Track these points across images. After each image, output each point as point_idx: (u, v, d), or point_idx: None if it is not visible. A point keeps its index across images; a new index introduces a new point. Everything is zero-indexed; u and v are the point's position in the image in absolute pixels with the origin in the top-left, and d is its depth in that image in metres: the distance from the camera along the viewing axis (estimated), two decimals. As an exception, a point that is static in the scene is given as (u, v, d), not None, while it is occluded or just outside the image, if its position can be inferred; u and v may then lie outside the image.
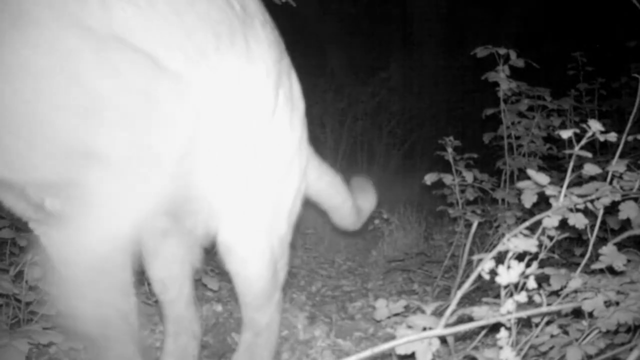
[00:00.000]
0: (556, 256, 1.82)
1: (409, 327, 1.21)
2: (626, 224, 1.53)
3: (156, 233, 1.76)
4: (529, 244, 1.21)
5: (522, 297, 1.19)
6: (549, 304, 1.34)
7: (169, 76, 1.27)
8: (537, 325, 1.47)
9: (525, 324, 1.49)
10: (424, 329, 1.20)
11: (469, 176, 2.63)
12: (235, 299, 1.79)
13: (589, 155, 1.46)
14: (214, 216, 1.60)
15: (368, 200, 2.23)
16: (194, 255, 1.80)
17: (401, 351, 1.17)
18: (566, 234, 1.51)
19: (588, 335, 1.41)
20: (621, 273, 1.39)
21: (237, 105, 1.49)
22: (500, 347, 1.20)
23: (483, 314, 1.22)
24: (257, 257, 1.66)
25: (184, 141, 1.32)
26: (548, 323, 1.47)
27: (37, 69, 1.12)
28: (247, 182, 1.59)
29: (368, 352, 1.11)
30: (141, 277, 2.35)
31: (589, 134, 1.42)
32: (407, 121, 5.92)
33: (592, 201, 1.42)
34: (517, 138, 2.92)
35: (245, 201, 1.60)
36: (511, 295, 1.21)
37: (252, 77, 1.51)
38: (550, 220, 1.38)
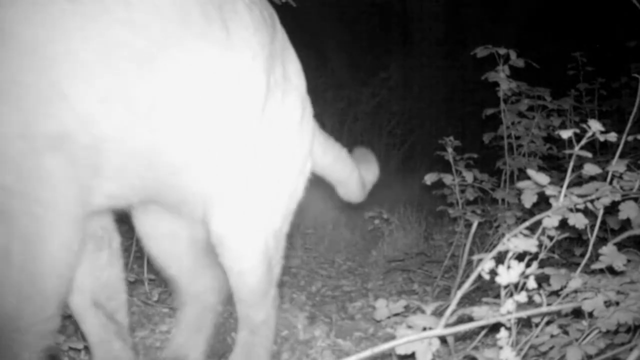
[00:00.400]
0: (556, 256, 1.82)
1: (409, 327, 1.21)
2: (626, 224, 1.53)
3: (145, 211, 1.75)
4: (529, 244, 1.21)
5: (522, 297, 1.19)
6: (549, 304, 1.34)
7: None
8: (537, 325, 1.47)
9: (525, 324, 1.49)
10: (424, 329, 1.20)
11: (469, 176, 2.63)
12: (236, 299, 1.78)
13: (589, 155, 1.46)
14: (208, 205, 1.58)
15: (371, 171, 2.22)
16: (192, 230, 1.76)
17: (401, 351, 1.17)
18: (566, 234, 1.51)
19: (588, 335, 1.42)
20: (621, 273, 1.39)
21: (218, 92, 1.46)
22: (500, 347, 1.20)
23: (483, 314, 1.22)
24: (250, 251, 1.63)
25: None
26: (548, 323, 1.47)
27: None
28: (238, 170, 1.56)
29: (368, 352, 1.11)
30: (141, 277, 2.36)
31: (589, 134, 1.42)
32: (407, 121, 5.91)
33: (592, 201, 1.42)
34: (517, 138, 2.92)
35: (236, 191, 1.58)
36: (511, 295, 1.21)
37: (233, 63, 1.48)
38: (550, 220, 1.38)
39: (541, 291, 1.33)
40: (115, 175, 1.36)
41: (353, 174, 2.07)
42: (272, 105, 1.61)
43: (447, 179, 2.63)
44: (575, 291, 1.39)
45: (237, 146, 1.55)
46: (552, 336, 1.45)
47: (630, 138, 1.63)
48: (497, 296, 1.27)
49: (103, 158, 1.30)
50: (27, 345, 1.24)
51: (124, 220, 2.77)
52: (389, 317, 1.50)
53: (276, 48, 1.65)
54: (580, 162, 1.52)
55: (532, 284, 1.23)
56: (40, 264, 1.22)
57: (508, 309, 1.19)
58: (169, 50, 1.35)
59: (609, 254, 1.40)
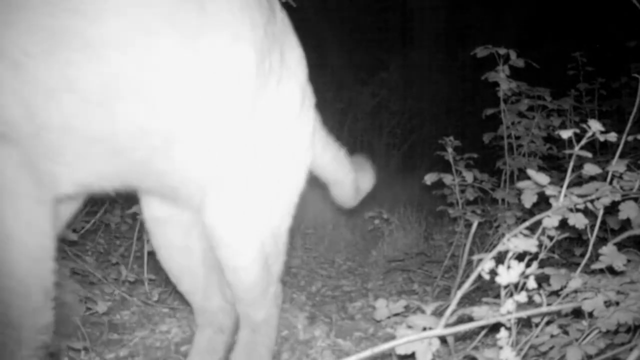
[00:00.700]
0: (556, 256, 1.82)
1: (409, 327, 1.21)
2: (626, 224, 1.53)
3: (158, 222, 1.74)
4: (529, 244, 1.21)
5: (522, 297, 1.19)
6: (549, 304, 1.34)
7: None
8: (537, 325, 1.47)
9: (525, 324, 1.49)
10: (424, 329, 1.20)
11: (469, 176, 2.63)
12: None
13: (589, 155, 1.46)
14: (202, 195, 1.54)
15: (366, 179, 2.19)
16: (206, 244, 1.71)
17: (401, 351, 1.17)
18: (566, 234, 1.51)
19: (588, 335, 1.42)
20: (621, 273, 1.39)
21: (189, 75, 1.40)
22: (500, 347, 1.20)
23: (483, 314, 1.22)
24: (244, 245, 1.59)
25: None
26: (548, 323, 1.47)
27: None
28: (227, 157, 1.52)
29: (368, 352, 1.11)
30: (141, 277, 2.36)
31: (589, 134, 1.42)
32: (407, 121, 5.92)
33: (592, 201, 1.42)
34: (517, 138, 2.92)
35: (227, 180, 1.54)
36: (511, 295, 1.21)
37: (208, 45, 1.42)
38: (550, 220, 1.38)
39: (541, 291, 1.33)
40: (78, 163, 1.35)
41: (349, 176, 2.04)
42: (266, 90, 1.55)
43: (447, 179, 2.63)
44: (575, 291, 1.39)
45: (221, 132, 1.49)
46: (552, 336, 1.45)
47: (630, 138, 1.63)
48: (497, 296, 1.27)
49: (56, 146, 1.30)
50: (24, 342, 1.24)
51: (125, 220, 2.78)
52: (389, 317, 1.49)
53: (273, 32, 1.59)
54: (580, 162, 1.52)
55: (532, 284, 1.23)
56: (10, 249, 1.22)
57: (508, 309, 1.19)
58: (127, 36, 1.30)
59: (609, 254, 1.40)
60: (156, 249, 1.78)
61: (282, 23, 1.67)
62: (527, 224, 1.30)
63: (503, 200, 2.79)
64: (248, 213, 1.59)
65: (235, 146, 1.53)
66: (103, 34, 1.28)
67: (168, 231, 1.74)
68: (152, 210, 1.73)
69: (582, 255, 1.63)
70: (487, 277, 1.18)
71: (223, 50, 1.45)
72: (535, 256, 1.32)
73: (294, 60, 1.68)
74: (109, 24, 1.29)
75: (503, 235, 2.23)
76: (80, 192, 1.49)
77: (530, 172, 1.46)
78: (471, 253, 2.48)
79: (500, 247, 1.21)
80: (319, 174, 1.95)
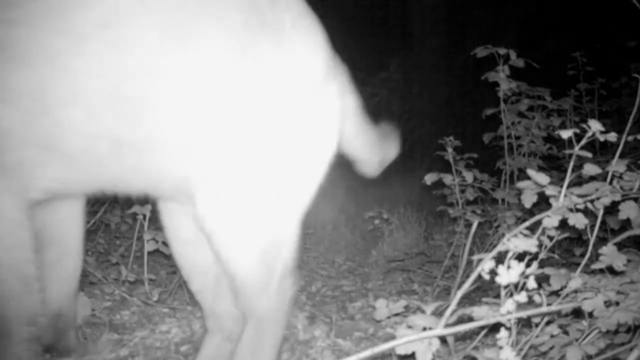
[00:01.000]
0: (556, 256, 1.82)
1: (409, 327, 1.21)
2: (626, 224, 1.53)
3: (166, 212, 1.73)
4: (529, 244, 1.21)
5: (522, 297, 1.19)
6: (549, 304, 1.34)
7: None
8: (537, 325, 1.47)
9: (525, 324, 1.49)
10: (424, 329, 1.20)
11: (469, 176, 2.63)
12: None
13: (589, 155, 1.46)
14: (193, 189, 1.52)
15: (391, 149, 2.18)
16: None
17: (401, 351, 1.17)
18: (566, 234, 1.51)
19: (588, 335, 1.42)
20: (621, 273, 1.39)
21: (138, 81, 1.39)
22: (500, 347, 1.20)
23: (483, 314, 1.22)
24: (234, 238, 1.55)
25: None
26: (548, 323, 1.47)
27: None
28: (209, 155, 1.49)
29: (368, 352, 1.11)
30: (141, 277, 2.36)
31: (589, 134, 1.42)
32: (407, 121, 5.92)
33: (592, 201, 1.42)
34: (517, 138, 2.92)
35: (213, 175, 1.51)
36: (511, 295, 1.22)
37: (155, 49, 1.40)
38: (550, 220, 1.38)
39: (541, 291, 1.33)
40: (36, 168, 1.36)
41: (375, 156, 2.04)
42: (249, 82, 1.50)
43: (447, 179, 2.63)
44: (575, 291, 1.39)
45: (190, 129, 1.46)
46: (552, 336, 1.45)
47: (630, 138, 1.63)
48: (497, 296, 1.27)
49: (15, 152, 1.33)
50: (13, 334, 1.24)
51: (125, 220, 2.78)
52: (389, 317, 1.50)
53: (263, 21, 1.53)
54: (580, 162, 1.52)
55: (532, 284, 1.23)
56: None
57: (508, 309, 1.19)
58: (59, 44, 1.31)
59: (609, 254, 1.40)
60: (169, 241, 1.78)
61: (286, 11, 1.61)
62: (527, 224, 1.30)
63: (503, 200, 2.79)
64: (239, 205, 1.54)
65: (215, 139, 1.49)
66: (35, 43, 1.29)
67: (175, 222, 1.73)
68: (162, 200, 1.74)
69: (582, 255, 1.63)
70: (487, 277, 1.18)
71: (173, 47, 1.42)
72: (535, 256, 1.32)
73: (305, 48, 1.63)
74: (41, 32, 1.30)
75: (503, 235, 2.23)
76: (50, 197, 1.50)
77: (530, 172, 1.46)
78: (471, 253, 2.47)
79: (500, 247, 1.21)
80: (346, 153, 1.90)
